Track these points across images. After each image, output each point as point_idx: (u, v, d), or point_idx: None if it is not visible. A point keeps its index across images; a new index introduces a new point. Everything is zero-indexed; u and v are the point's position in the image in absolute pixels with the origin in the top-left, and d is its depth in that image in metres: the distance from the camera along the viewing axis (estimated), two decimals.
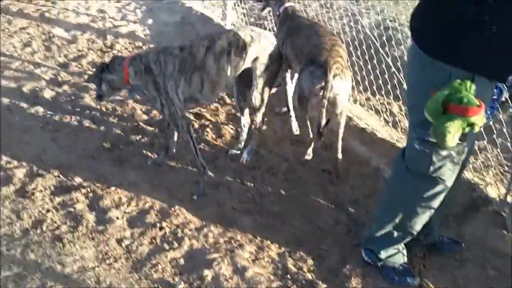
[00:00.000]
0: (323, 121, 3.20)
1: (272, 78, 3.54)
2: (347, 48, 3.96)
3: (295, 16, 3.94)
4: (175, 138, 3.59)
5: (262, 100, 3.53)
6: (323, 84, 3.17)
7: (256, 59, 3.41)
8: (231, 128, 4.11)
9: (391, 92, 4.17)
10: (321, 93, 3.17)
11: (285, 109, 4.24)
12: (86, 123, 4.03)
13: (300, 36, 3.62)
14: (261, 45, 3.41)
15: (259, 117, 3.61)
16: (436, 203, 2.53)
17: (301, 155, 3.81)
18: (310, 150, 3.78)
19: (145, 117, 4.18)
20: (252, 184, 3.51)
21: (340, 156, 3.58)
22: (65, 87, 4.58)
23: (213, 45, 3.28)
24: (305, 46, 3.50)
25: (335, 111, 3.34)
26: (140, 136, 3.91)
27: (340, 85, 3.25)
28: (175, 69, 3.24)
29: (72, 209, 3.14)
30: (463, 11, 2.04)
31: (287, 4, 4.01)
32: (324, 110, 3.17)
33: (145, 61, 3.28)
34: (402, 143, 3.88)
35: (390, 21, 6.50)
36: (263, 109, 3.58)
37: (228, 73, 3.31)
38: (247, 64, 3.40)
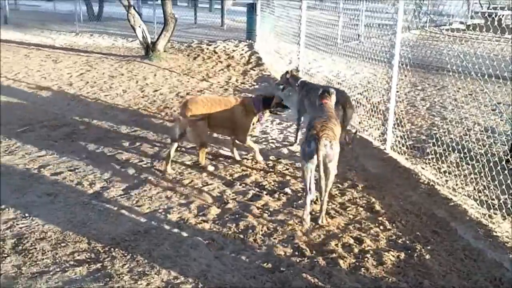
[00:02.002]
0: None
1: None
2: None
3: (308, 83, 6.68)
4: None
5: None
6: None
7: None
8: (392, 256, 3.98)
9: None
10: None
11: None
12: (249, 242, 4.16)
13: (312, 94, 5.89)
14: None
15: None
16: None
17: None
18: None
19: (304, 238, 4.22)
20: None
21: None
22: (230, 205, 4.82)
23: None
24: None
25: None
26: (300, 259, 3.92)
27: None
28: None
29: None
30: None
31: (302, 79, 6.84)
32: None
33: None
34: None
35: None
36: None
37: None
38: None
